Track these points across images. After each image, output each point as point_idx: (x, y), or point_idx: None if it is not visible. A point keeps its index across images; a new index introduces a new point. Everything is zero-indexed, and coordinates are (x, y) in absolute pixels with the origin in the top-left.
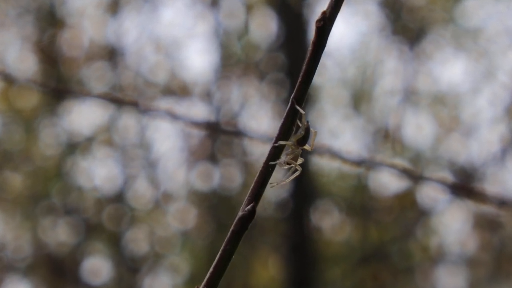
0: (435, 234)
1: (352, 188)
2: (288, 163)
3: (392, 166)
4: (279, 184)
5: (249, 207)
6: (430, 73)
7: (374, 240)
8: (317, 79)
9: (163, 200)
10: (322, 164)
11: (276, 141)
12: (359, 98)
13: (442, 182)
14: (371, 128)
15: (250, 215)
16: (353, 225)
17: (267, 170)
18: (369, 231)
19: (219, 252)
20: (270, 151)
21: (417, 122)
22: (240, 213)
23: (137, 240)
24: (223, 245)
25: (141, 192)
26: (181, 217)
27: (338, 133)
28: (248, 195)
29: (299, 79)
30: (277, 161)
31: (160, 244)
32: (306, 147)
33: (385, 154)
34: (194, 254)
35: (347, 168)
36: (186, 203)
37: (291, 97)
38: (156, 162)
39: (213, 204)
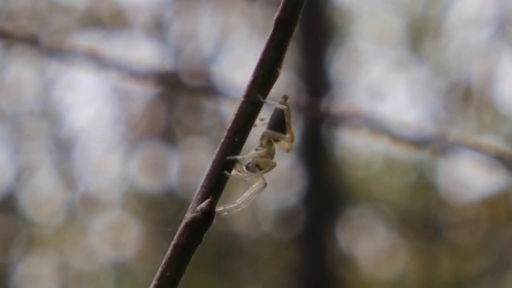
0: None
1: (408, 189)
2: (252, 169)
3: (478, 149)
4: (231, 211)
5: (203, 204)
6: None
7: (446, 275)
8: None
9: (82, 208)
10: (356, 146)
11: (249, 93)
12: (421, 33)
13: None
14: (441, 84)
15: (205, 218)
16: (410, 252)
17: (233, 142)
18: (439, 261)
19: (153, 283)
20: (239, 108)
21: None
22: (188, 215)
23: (38, 277)
24: (160, 270)
25: (45, 194)
26: (114, 237)
27: (384, 93)
28: (201, 184)
29: None
30: (236, 171)
31: (78, 282)
32: (282, 143)
33: (466, 129)
34: None
35: (400, 154)
36: (122, 213)
37: (275, 16)
38: (71, 144)
39: (169, 214)
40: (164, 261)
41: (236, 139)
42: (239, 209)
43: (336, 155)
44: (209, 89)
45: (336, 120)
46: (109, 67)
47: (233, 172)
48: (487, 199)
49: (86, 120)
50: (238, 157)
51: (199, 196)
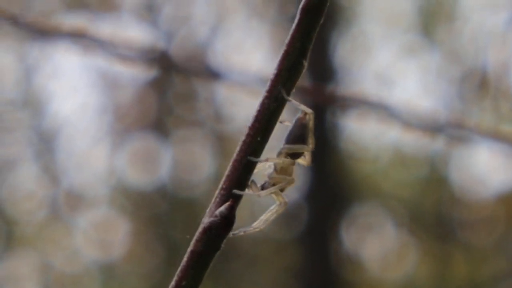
0: None
1: (419, 184)
2: (270, 184)
3: (496, 137)
4: (247, 232)
5: (222, 208)
6: None
7: (460, 278)
8: None
9: (66, 205)
10: (363, 138)
11: (272, 88)
12: (433, 16)
13: None
14: (456, 72)
15: (225, 222)
16: (421, 252)
17: (255, 141)
18: (452, 262)
19: None
20: (262, 104)
21: None
22: (206, 220)
23: (18, 278)
24: (175, 279)
25: (26, 190)
26: (100, 237)
27: (393, 81)
28: (220, 187)
29: None
30: (252, 190)
31: (60, 285)
32: (303, 158)
33: (482, 119)
34: None
35: (410, 146)
36: (109, 211)
37: (300, 5)
38: (54, 135)
39: (161, 212)
40: (179, 269)
41: (259, 138)
42: (257, 230)
43: (342, 148)
44: (204, 71)
45: (343, 106)
46: (97, 49)
47: (247, 190)
48: (504, 195)
49: (70, 110)
50: (261, 159)
51: (217, 199)
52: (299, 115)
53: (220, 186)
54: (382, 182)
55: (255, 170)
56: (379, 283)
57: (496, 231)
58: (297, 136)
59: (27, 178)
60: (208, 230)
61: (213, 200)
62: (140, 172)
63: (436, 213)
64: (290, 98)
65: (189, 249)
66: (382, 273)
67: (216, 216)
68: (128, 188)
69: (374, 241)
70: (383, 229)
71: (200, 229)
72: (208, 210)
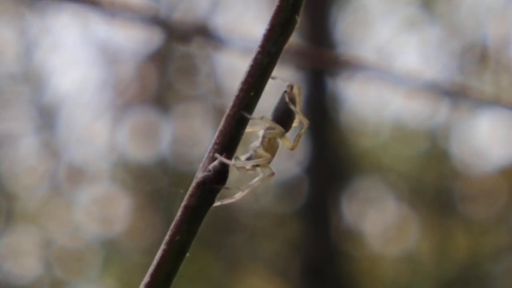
0: None
1: (420, 158)
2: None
3: (497, 104)
4: (232, 199)
5: (215, 163)
6: None
7: (461, 252)
8: None
9: (67, 180)
10: (363, 111)
11: (265, 43)
12: None
13: None
14: (456, 45)
15: (218, 176)
16: (422, 226)
17: (248, 96)
18: (453, 236)
19: (161, 248)
20: (255, 59)
21: None
22: (200, 175)
23: (19, 254)
24: (169, 234)
25: (27, 165)
26: (102, 212)
27: (394, 55)
28: (213, 141)
29: None
30: (240, 163)
31: (61, 262)
32: (286, 138)
33: (482, 91)
34: (126, 278)
35: (411, 120)
36: (111, 186)
37: None
38: (55, 110)
39: (161, 186)
40: (173, 224)
41: (252, 93)
42: (240, 198)
43: (343, 121)
44: (206, 36)
45: (344, 71)
46: (99, 13)
47: (233, 161)
48: (506, 169)
49: (71, 84)
50: (254, 116)
51: (211, 154)
52: (286, 89)
53: (213, 140)
54: (382, 155)
55: (249, 129)
56: (380, 257)
57: (497, 204)
58: (284, 111)
59: (27, 153)
60: (201, 184)
61: (206, 155)
62: (141, 146)
63: (437, 187)
64: (275, 76)
65: (182, 204)
66: (383, 247)
67: (209, 171)
68: (129, 162)
69: (374, 215)
70: (384, 203)
71: (193, 183)
72: (201, 165)
